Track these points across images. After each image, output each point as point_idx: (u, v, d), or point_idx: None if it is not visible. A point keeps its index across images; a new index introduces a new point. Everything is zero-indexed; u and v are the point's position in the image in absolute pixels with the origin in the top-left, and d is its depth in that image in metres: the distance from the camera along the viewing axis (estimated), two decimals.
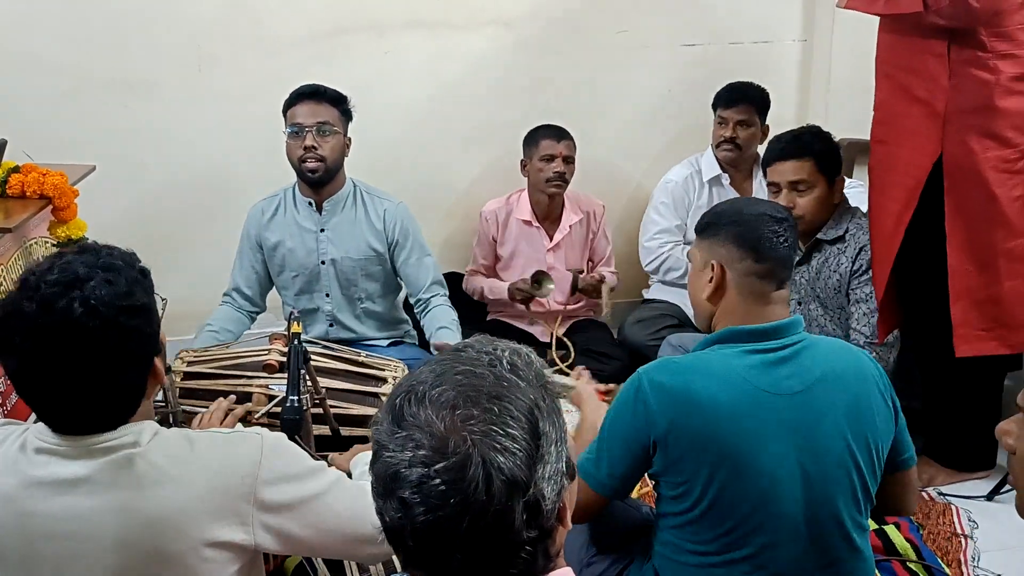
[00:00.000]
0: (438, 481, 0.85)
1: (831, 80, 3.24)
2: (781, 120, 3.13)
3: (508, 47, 3.14)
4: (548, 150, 2.91)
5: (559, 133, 2.94)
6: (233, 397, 1.88)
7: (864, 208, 2.41)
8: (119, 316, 1.17)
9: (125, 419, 1.22)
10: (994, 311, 2.17)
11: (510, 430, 0.87)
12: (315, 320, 2.64)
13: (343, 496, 1.30)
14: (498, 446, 0.86)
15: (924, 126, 2.11)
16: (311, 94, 2.50)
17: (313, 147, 2.46)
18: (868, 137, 3.00)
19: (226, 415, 1.77)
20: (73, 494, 1.18)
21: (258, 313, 2.70)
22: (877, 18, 2.26)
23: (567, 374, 2.40)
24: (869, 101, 3.18)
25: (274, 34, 2.98)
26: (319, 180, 2.51)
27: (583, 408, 1.87)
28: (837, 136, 3.17)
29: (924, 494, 2.40)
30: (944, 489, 2.42)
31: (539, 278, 2.86)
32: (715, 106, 3.01)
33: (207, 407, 1.83)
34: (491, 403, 0.88)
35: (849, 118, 3.20)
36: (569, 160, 2.94)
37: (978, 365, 2.25)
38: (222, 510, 1.22)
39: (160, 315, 1.28)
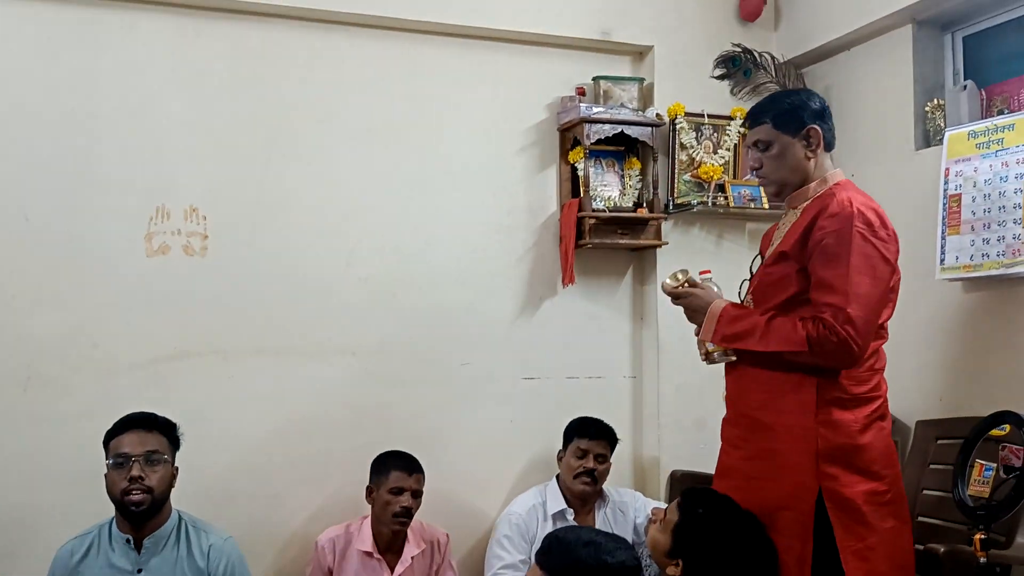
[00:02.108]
0: None
1: (660, 414, 3.44)
2: (618, 451, 3.23)
3: (355, 376, 3.18)
4: (398, 482, 2.85)
5: (411, 466, 2.89)
6: None
7: None
8: None
9: None
10: None
11: None
12: None
13: None
14: None
15: (801, 462, 2.14)
16: (140, 422, 2.39)
17: (140, 478, 2.30)
18: (701, 470, 3.15)
19: None
20: None
21: None
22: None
23: None
24: (697, 435, 3.40)
25: (111, 356, 2.91)
26: (143, 514, 2.32)
27: None
28: (670, 468, 3.34)
29: None
30: None
31: None
32: (574, 435, 3.05)
33: None
34: None
35: (681, 451, 3.38)
36: (417, 495, 2.88)
37: None
38: None
39: None
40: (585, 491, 3.01)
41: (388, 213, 3.25)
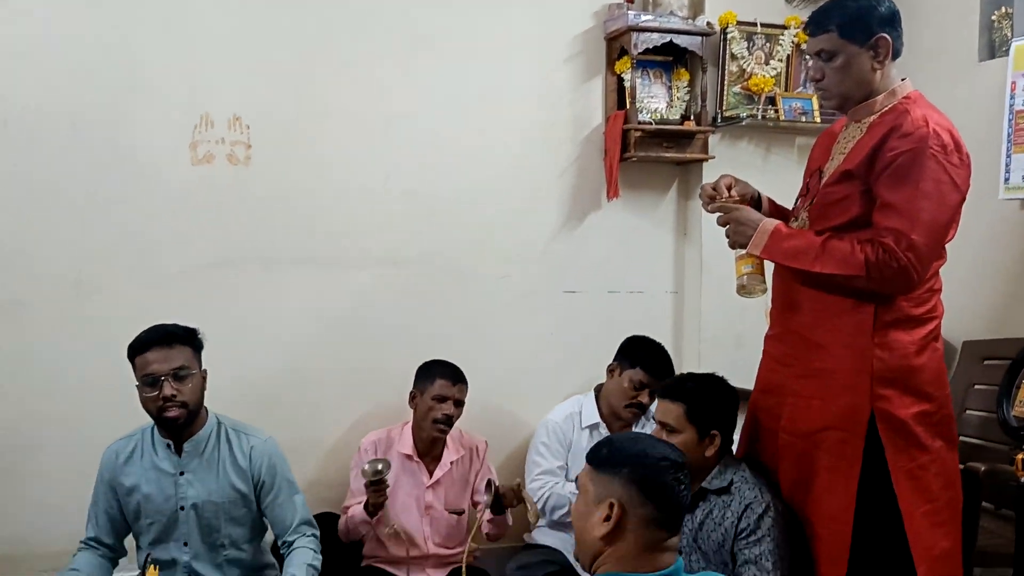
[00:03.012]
0: None
1: (702, 329, 3.42)
2: None
3: (397, 286, 3.21)
4: (442, 390, 2.89)
5: (456, 375, 2.92)
6: None
7: None
8: None
9: None
10: (951, 564, 2.09)
11: None
12: (172, 574, 2.39)
13: None
14: None
15: (855, 382, 2.08)
16: (162, 338, 2.34)
17: (173, 395, 2.31)
18: (741, 385, 3.14)
19: None
20: None
21: (120, 557, 2.47)
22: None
23: None
24: (739, 353, 3.37)
25: (158, 264, 2.97)
26: (183, 425, 2.37)
27: None
28: None
29: None
30: None
31: (375, 466, 2.65)
32: (639, 364, 2.95)
33: None
34: None
35: (721, 366, 3.35)
36: (459, 404, 2.92)
37: None
38: None
39: None
40: (631, 420, 3.01)
41: (431, 123, 3.21)
